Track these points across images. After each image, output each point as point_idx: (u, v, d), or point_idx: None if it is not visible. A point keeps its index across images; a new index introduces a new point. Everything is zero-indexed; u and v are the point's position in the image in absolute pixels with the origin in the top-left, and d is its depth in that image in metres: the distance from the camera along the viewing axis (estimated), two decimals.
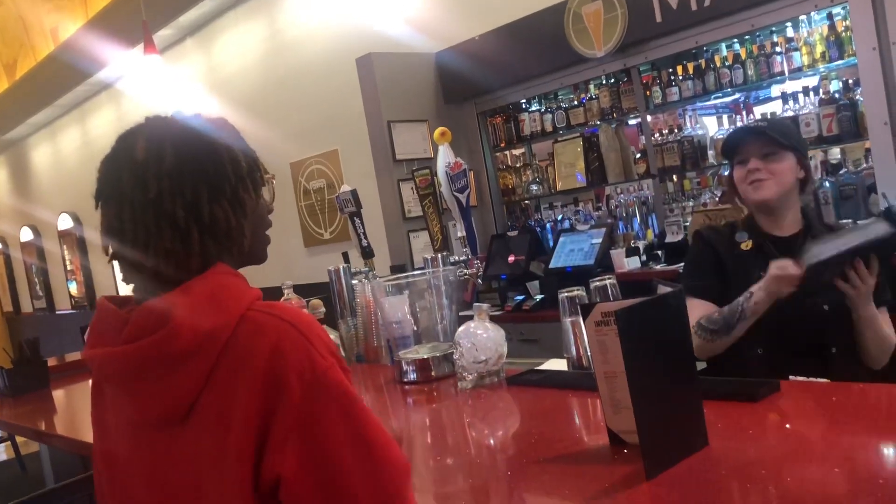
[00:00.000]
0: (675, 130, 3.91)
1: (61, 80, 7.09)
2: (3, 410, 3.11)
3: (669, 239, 3.69)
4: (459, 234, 2.42)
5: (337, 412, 0.97)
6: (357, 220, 2.41)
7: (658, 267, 3.63)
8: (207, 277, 1.02)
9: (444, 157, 2.37)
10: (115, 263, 1.08)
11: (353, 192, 2.43)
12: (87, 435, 1.13)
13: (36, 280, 9.70)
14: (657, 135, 3.97)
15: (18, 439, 5.43)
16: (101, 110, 7.75)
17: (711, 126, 3.96)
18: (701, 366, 2.00)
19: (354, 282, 2.39)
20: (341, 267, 2.43)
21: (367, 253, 2.44)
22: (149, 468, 1.03)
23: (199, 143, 1.07)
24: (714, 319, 1.94)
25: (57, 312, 9.40)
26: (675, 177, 4.02)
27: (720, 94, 3.79)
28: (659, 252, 3.71)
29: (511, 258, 4.05)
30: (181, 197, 1.03)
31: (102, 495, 1.13)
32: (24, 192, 9.80)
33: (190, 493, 0.99)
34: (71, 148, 8.51)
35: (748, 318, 1.89)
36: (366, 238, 2.45)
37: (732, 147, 2.07)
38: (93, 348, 1.06)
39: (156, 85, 6.75)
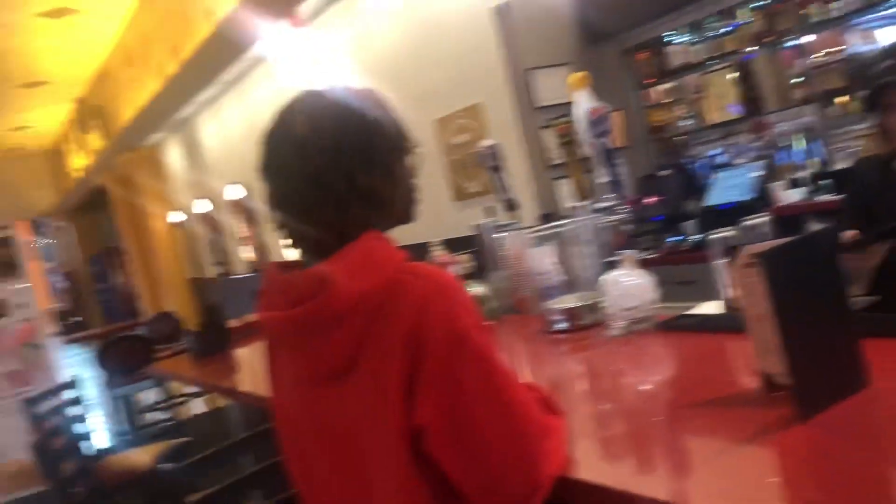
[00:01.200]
0: (838, 50, 3.62)
1: (221, 58, 7.51)
2: (195, 369, 3.43)
3: (835, 167, 3.45)
4: (604, 180, 2.39)
5: (475, 370, 1.03)
6: (499, 174, 2.44)
7: (824, 198, 3.42)
8: (361, 243, 1.10)
9: (584, 104, 2.33)
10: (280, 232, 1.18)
11: (493, 147, 2.45)
12: (267, 391, 1.25)
13: (214, 248, 10.48)
14: (818, 56, 3.69)
15: (211, 394, 5.95)
16: (259, 85, 8.15)
17: (884, 40, 3.63)
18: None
19: (501, 234, 2.42)
20: (487, 220, 2.47)
21: (511, 205, 2.46)
22: (317, 420, 1.14)
23: (353, 118, 1.14)
24: None
25: (233, 277, 10.13)
26: (839, 99, 3.73)
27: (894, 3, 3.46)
28: (825, 182, 3.48)
29: (655, 206, 3.93)
30: (339, 170, 1.10)
31: (282, 445, 1.25)
32: (197, 166, 10.55)
33: (352, 442, 1.09)
34: (234, 122, 9.04)
35: None
36: (510, 191, 2.47)
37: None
38: (264, 312, 1.16)
39: (305, 56, 7.02)
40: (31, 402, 3.04)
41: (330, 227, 1.11)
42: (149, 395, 7.72)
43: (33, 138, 14.66)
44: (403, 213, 1.21)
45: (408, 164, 1.20)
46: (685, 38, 4.35)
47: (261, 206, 7.70)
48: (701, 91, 4.36)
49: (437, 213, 5.58)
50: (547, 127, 4.19)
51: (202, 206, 10.45)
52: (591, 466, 1.22)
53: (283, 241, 1.19)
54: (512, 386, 1.06)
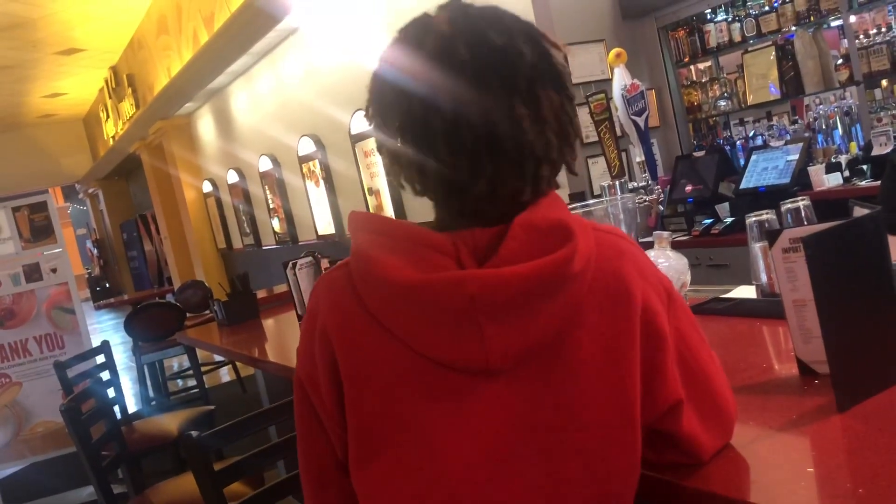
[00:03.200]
0: (884, 30, 3.51)
1: (253, 28, 7.50)
2: (222, 338, 3.47)
3: (877, 151, 3.37)
4: (638, 159, 2.35)
5: (688, 321, 1.01)
6: None
7: (863, 183, 3.34)
8: (555, 197, 0.93)
9: (620, 80, 2.29)
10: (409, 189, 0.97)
11: None
12: (294, 361, 1.09)
13: (243, 218, 10.55)
14: (862, 37, 3.59)
15: (237, 363, 6.02)
16: (290, 56, 8.15)
17: None
18: None
19: None
20: None
21: None
22: (466, 417, 0.88)
23: (537, 35, 0.93)
24: None
25: (263, 248, 10.20)
26: (884, 82, 3.63)
27: None
28: (864, 167, 3.40)
29: (689, 188, 3.88)
30: (550, 103, 0.89)
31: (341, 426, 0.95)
32: (229, 136, 10.60)
33: (555, 434, 0.89)
34: (265, 93, 9.05)
35: None
36: None
37: None
38: (429, 272, 0.87)
39: (338, 27, 6.99)
40: (62, 365, 3.08)
41: (539, 179, 0.89)
42: (176, 363, 7.85)
43: (68, 105, 14.83)
44: (574, 161, 0.96)
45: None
46: (724, 16, 4.26)
47: (290, 176, 7.73)
48: (739, 71, 4.27)
49: None
50: (582, 104, 4.13)
51: (233, 176, 10.51)
52: None
53: (419, 192, 0.95)
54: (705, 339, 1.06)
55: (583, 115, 4.15)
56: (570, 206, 2.03)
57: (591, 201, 2.15)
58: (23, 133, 15.91)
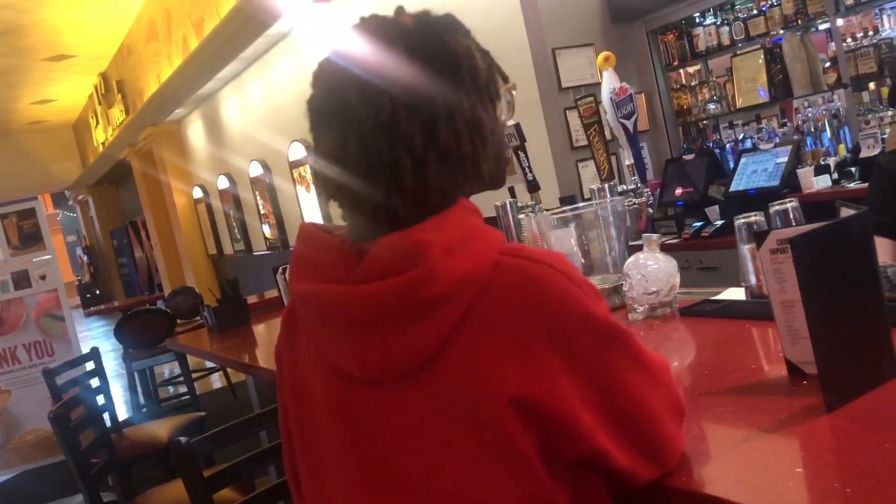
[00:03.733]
0: (871, 33, 3.54)
1: (243, 34, 7.50)
2: (212, 344, 3.45)
3: (865, 154, 3.39)
4: (627, 162, 2.35)
5: (628, 359, 0.90)
6: (522, 154, 2.41)
7: (851, 185, 3.36)
8: (454, 214, 0.89)
9: (609, 83, 2.30)
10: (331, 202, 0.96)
11: (517, 127, 2.41)
12: (281, 376, 1.08)
13: (234, 224, 10.53)
14: (849, 40, 3.61)
15: (228, 370, 6.00)
16: (280, 61, 8.14)
17: None
18: None
19: (521, 216, 2.40)
20: (508, 202, 2.44)
21: (533, 186, 2.43)
22: (349, 423, 0.91)
23: (434, 46, 0.90)
24: None
25: (254, 254, 10.17)
26: (871, 85, 3.66)
27: None
28: (852, 169, 3.42)
29: (679, 191, 3.89)
30: (418, 117, 0.86)
31: (290, 436, 1.04)
32: (219, 142, 10.58)
33: (407, 455, 0.87)
34: (256, 99, 9.04)
35: None
36: (531, 172, 2.44)
37: None
38: (313, 283, 0.90)
39: (326, 33, 6.98)
40: (51, 372, 3.06)
41: (404, 190, 0.86)
42: (167, 369, 7.81)
43: (58, 112, 14.77)
44: (494, 175, 0.96)
45: (499, 110, 0.96)
46: (713, 20, 4.28)
47: (281, 182, 7.75)
48: (728, 74, 4.29)
49: None
50: (571, 108, 4.15)
51: (223, 182, 10.48)
52: None
53: (339, 213, 0.97)
54: (653, 357, 0.94)
55: (572, 119, 4.18)
56: (560, 209, 2.04)
57: (580, 204, 2.16)
58: (12, 140, 15.83)
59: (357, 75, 0.89)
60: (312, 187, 8.12)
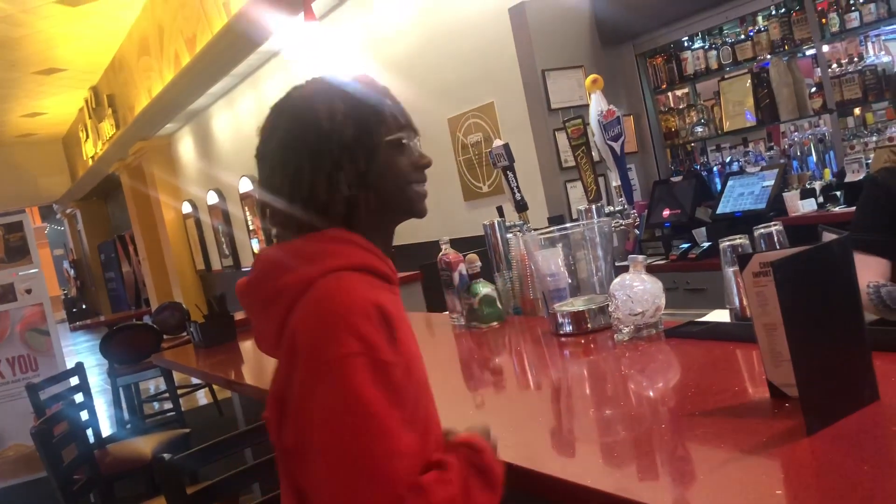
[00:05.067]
0: (856, 60, 3.59)
1: (235, 50, 7.53)
2: (198, 361, 3.43)
3: (850, 178, 3.43)
4: (615, 184, 2.37)
5: (335, 402, 0.95)
6: (510, 174, 2.42)
7: (837, 209, 3.39)
8: (306, 240, 1.10)
9: (597, 105, 2.32)
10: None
11: (506, 147, 2.43)
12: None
13: (223, 240, 10.50)
14: (835, 66, 3.66)
15: (214, 386, 5.96)
16: (272, 78, 8.17)
17: None
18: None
19: (509, 235, 2.41)
20: (496, 221, 2.46)
21: (521, 206, 2.45)
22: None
23: (307, 113, 1.13)
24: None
25: (242, 269, 10.14)
26: (856, 110, 3.70)
27: None
28: (837, 193, 3.45)
29: (666, 212, 3.92)
30: (284, 171, 1.12)
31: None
32: (209, 157, 10.58)
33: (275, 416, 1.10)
34: (247, 115, 9.06)
35: None
36: (519, 192, 2.46)
37: None
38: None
39: (317, 50, 7.02)
40: (35, 387, 3.04)
41: (284, 221, 1.13)
42: (153, 385, 7.75)
43: (47, 125, 14.72)
44: (403, 207, 1.17)
45: (406, 153, 1.16)
46: (701, 44, 4.33)
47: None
48: (716, 97, 4.34)
49: (448, 212, 5.58)
50: (559, 129, 4.18)
51: (213, 197, 10.47)
52: (592, 471, 1.21)
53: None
54: (371, 431, 0.93)
55: (561, 140, 4.21)
56: (548, 230, 2.05)
57: (568, 224, 2.17)
58: (0, 152, 15.78)
59: (261, 131, 1.20)
60: None
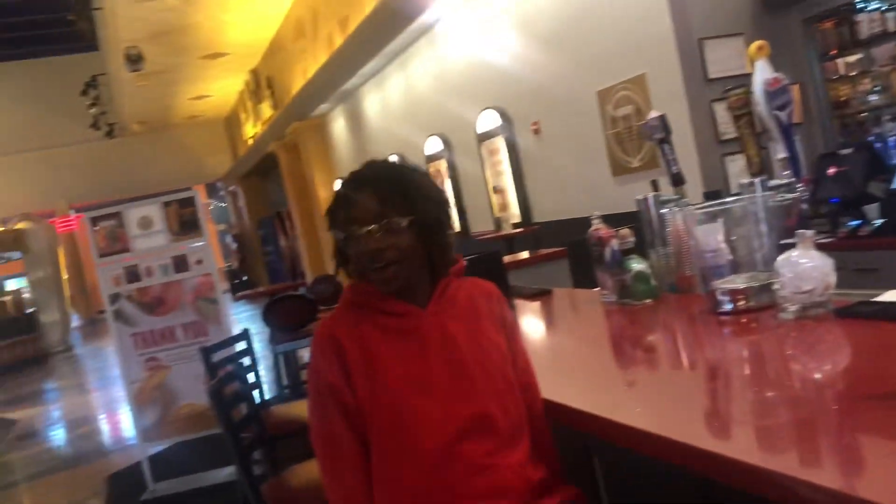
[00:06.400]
0: None
1: (386, 29, 7.71)
2: None
3: None
4: (780, 156, 2.25)
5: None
6: (666, 147, 2.35)
7: None
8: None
9: (762, 73, 2.20)
10: None
11: (662, 118, 2.36)
12: None
13: None
14: None
15: None
16: (421, 57, 8.31)
17: None
18: None
19: (664, 210, 2.34)
20: (650, 195, 2.39)
21: (678, 180, 2.37)
22: None
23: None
24: None
25: None
26: None
27: None
28: None
29: (834, 187, 3.66)
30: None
31: None
32: (360, 136, 10.92)
33: None
34: (396, 94, 9.27)
35: None
36: (676, 165, 2.38)
37: None
38: None
39: (469, 25, 7.06)
40: (208, 350, 3.27)
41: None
42: (306, 353, 8.15)
43: (212, 107, 15.71)
44: (359, 272, 1.54)
45: (338, 235, 1.53)
46: (878, 5, 4.00)
47: None
48: (893, 63, 4.00)
49: (596, 188, 5.49)
50: (719, 99, 4.00)
51: None
52: (751, 453, 1.16)
53: None
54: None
55: (721, 111, 4.03)
56: (707, 204, 1.98)
57: (728, 199, 2.08)
58: (171, 133, 16.99)
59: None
60: (447, 181, 8.24)
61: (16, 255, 16.26)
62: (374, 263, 1.46)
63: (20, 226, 14.56)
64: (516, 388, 1.52)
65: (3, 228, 14.39)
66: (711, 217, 1.92)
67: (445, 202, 1.57)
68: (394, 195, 1.46)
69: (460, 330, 1.50)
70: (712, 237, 1.92)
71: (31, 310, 14.58)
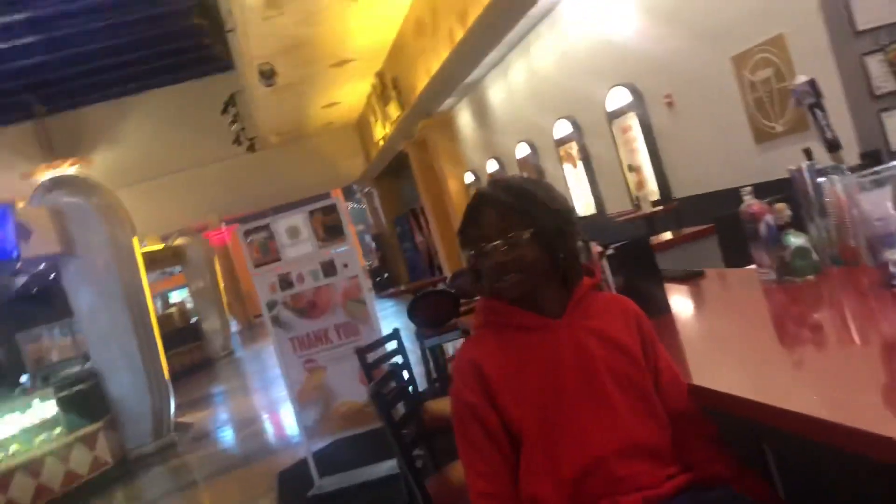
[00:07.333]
0: None
1: (506, 18, 7.68)
2: None
3: None
4: None
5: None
6: (819, 112, 2.21)
7: None
8: None
9: None
10: None
11: (811, 82, 2.22)
12: None
13: None
14: None
15: None
16: (541, 40, 8.22)
17: None
18: None
19: (821, 179, 2.20)
20: (804, 164, 2.26)
21: (834, 146, 2.23)
22: None
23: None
24: None
25: None
26: None
27: None
28: None
29: None
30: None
31: None
32: (487, 127, 10.95)
33: None
34: (520, 81, 9.22)
35: None
36: (830, 130, 2.24)
37: None
38: None
39: (589, 3, 6.92)
40: (363, 350, 3.39)
41: None
42: (451, 347, 8.28)
43: (342, 113, 16.21)
44: (489, 286, 1.59)
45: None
46: None
47: (549, 164, 7.80)
48: None
49: (736, 158, 5.25)
50: (871, 53, 3.72)
51: (492, 165, 10.84)
52: None
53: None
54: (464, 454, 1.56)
55: (875, 64, 3.75)
56: (873, 169, 1.85)
57: (893, 164, 1.93)
58: (307, 142, 17.68)
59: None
60: (579, 164, 8.12)
61: (177, 269, 17.44)
62: (501, 276, 1.53)
63: (178, 241, 15.61)
64: (655, 402, 1.54)
65: (164, 245, 15.47)
66: (878, 183, 1.79)
67: (567, 211, 1.60)
68: (514, 210, 1.53)
69: (594, 342, 1.53)
70: (880, 204, 1.79)
71: (194, 319, 15.63)
